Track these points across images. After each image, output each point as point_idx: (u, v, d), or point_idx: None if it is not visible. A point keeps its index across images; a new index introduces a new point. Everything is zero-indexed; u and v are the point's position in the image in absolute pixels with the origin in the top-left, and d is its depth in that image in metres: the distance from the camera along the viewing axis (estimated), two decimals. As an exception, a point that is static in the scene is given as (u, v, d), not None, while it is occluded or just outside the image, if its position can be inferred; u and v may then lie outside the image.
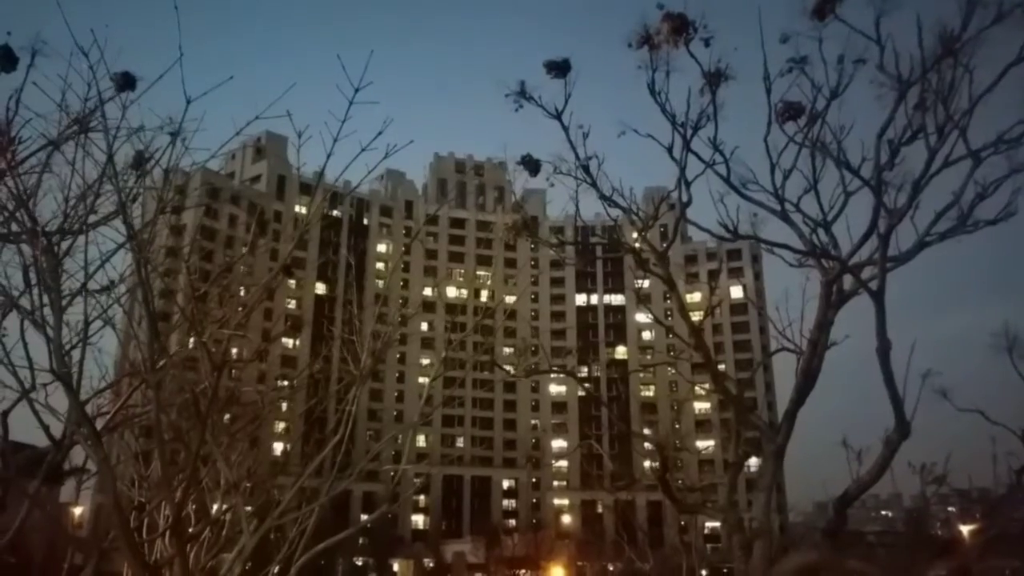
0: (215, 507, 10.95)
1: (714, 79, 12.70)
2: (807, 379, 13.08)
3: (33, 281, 8.60)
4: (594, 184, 14.18)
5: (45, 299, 8.27)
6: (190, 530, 9.74)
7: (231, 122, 8.63)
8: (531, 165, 13.81)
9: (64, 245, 8.88)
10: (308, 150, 8.29)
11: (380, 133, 8.18)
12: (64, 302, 8.40)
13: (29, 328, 8.90)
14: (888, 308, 11.47)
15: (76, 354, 8.86)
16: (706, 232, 13.92)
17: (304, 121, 8.15)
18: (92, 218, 9.36)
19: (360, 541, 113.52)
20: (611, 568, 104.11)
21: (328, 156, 8.11)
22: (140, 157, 9.05)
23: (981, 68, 11.16)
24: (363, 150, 8.14)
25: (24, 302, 8.74)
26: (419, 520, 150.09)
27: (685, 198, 13.75)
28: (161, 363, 8.86)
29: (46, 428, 9.08)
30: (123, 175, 8.69)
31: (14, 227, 8.97)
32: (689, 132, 13.26)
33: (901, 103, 11.82)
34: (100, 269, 9.14)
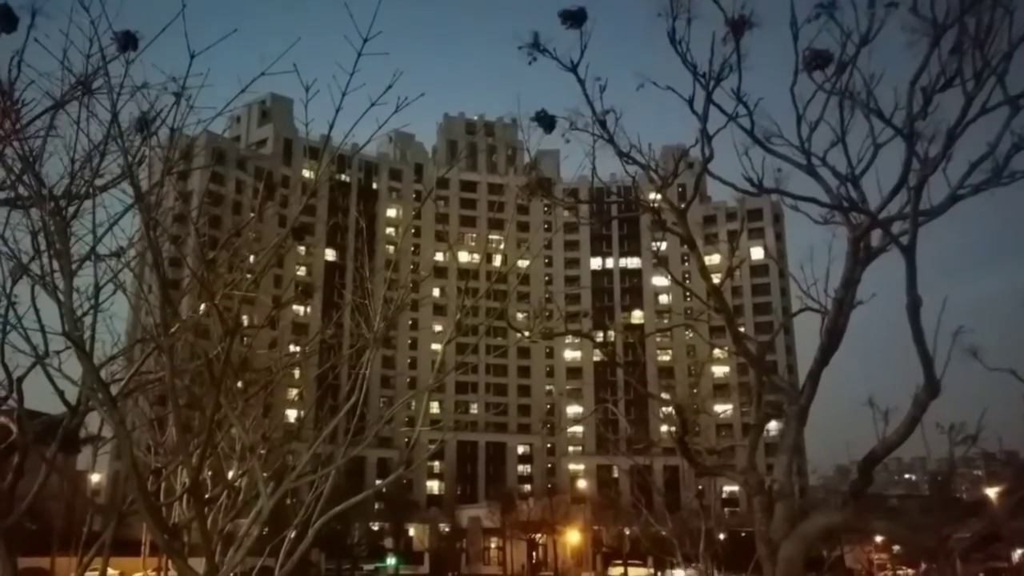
0: (231, 472, 10.89)
1: (738, 26, 12.28)
2: (832, 338, 12.80)
3: (42, 246, 8.44)
4: (611, 140, 13.83)
5: (55, 264, 8.13)
6: (207, 495, 9.67)
7: (236, 79, 8.38)
8: (546, 121, 13.43)
9: (72, 209, 8.74)
10: (315, 109, 8.05)
11: (391, 86, 7.89)
12: (73, 266, 8.25)
13: (40, 294, 8.79)
14: (919, 267, 11.17)
15: (88, 321, 8.74)
16: (729, 186, 13.58)
17: (311, 77, 7.91)
18: (99, 181, 9.19)
19: (376, 506, 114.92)
20: (627, 532, 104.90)
21: (337, 110, 7.85)
22: (144, 119, 8.83)
23: (1022, 9, 10.74)
24: (373, 104, 7.88)
25: (34, 267, 8.60)
26: (434, 486, 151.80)
27: (707, 152, 13.40)
28: (174, 328, 8.73)
29: (61, 393, 8.99)
30: (128, 134, 8.49)
31: (21, 191, 8.81)
32: (711, 83, 12.85)
33: (935, 49, 11.41)
34: (109, 232, 8.97)
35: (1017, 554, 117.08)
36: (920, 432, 11.92)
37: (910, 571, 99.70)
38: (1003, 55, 11.10)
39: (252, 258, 10.68)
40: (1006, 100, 11.16)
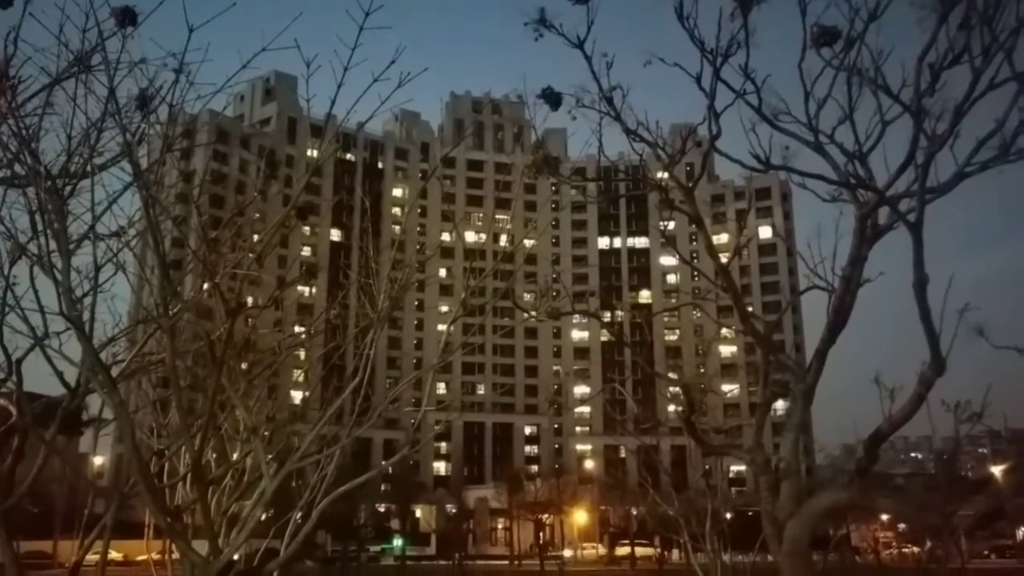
0: (235, 455, 10.83)
1: (746, 2, 12.11)
2: (838, 316, 12.71)
3: (40, 226, 8.32)
4: (618, 117, 13.67)
5: (53, 244, 8.02)
6: (210, 477, 9.60)
7: (237, 55, 8.24)
8: (552, 98, 13.26)
9: (69, 187, 8.62)
10: (319, 86, 7.93)
11: (393, 61, 7.77)
12: (72, 246, 8.15)
13: (39, 275, 8.67)
14: (926, 244, 11.09)
15: (88, 301, 8.63)
16: (736, 163, 13.41)
17: (314, 53, 7.78)
18: (97, 159, 9.06)
19: (382, 488, 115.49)
20: (634, 512, 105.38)
21: (339, 86, 7.74)
22: (143, 96, 8.67)
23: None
24: (376, 79, 7.76)
25: (32, 247, 8.47)
26: (441, 467, 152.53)
27: (714, 130, 13.26)
28: (176, 308, 8.63)
29: (60, 374, 8.89)
30: (126, 110, 8.34)
31: (18, 169, 8.69)
32: (719, 60, 12.70)
33: (943, 24, 11.30)
34: (108, 211, 8.84)
35: (1022, 531, 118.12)
36: (926, 410, 11.87)
37: (915, 549, 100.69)
38: (1011, 30, 10.99)
39: (255, 237, 10.58)
40: (1014, 76, 11.05)
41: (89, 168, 8.75)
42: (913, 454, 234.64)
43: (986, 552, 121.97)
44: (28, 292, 8.68)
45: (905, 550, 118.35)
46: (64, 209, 8.04)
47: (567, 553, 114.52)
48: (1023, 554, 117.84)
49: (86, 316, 8.16)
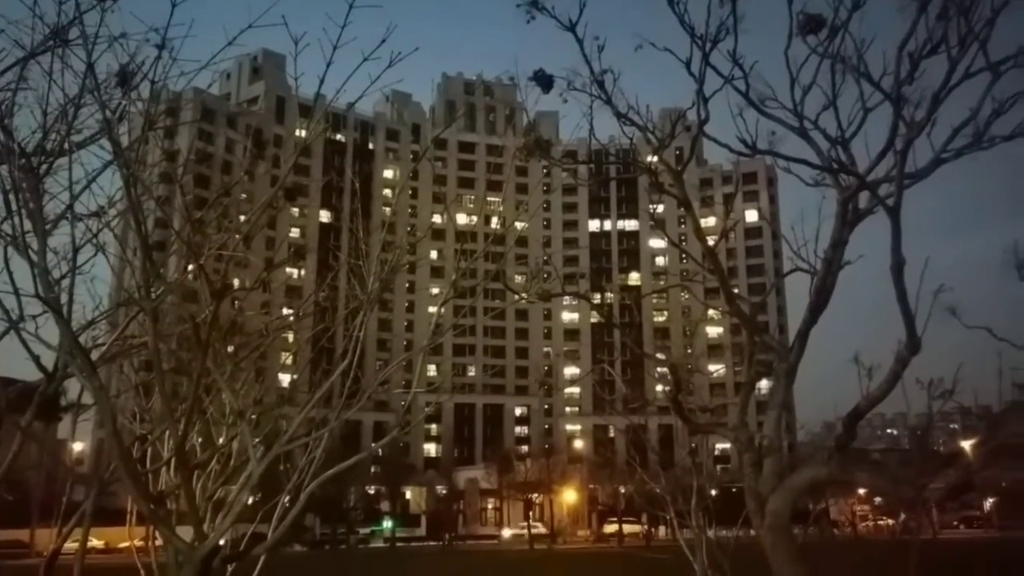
0: (221, 439, 10.69)
1: (735, -11, 12.25)
2: (820, 297, 12.93)
3: (14, 206, 8.10)
4: (609, 101, 13.70)
5: (28, 225, 7.80)
6: (195, 461, 9.45)
7: (223, 32, 8.02)
8: (543, 81, 13.22)
9: (45, 166, 8.39)
10: (307, 64, 7.74)
11: (384, 40, 7.58)
12: (48, 226, 7.93)
13: (15, 257, 8.45)
14: (903, 229, 11.43)
15: (67, 283, 8.43)
16: (724, 147, 13.68)
17: (302, 31, 7.59)
18: (76, 137, 8.82)
19: (372, 470, 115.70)
20: (622, 490, 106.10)
21: (328, 64, 7.52)
22: (124, 72, 8.43)
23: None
24: (366, 59, 7.55)
25: (7, 228, 8.25)
26: (431, 448, 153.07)
27: (703, 114, 13.41)
28: (159, 290, 8.44)
29: (36, 359, 8.67)
30: (105, 87, 8.10)
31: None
32: (708, 46, 12.86)
33: (923, 14, 11.51)
34: (87, 191, 8.61)
35: (989, 503, 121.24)
36: (901, 388, 12.20)
37: (890, 521, 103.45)
38: (986, 21, 11.28)
39: (242, 218, 10.38)
40: (988, 66, 11.37)
41: (66, 146, 8.52)
42: (889, 430, 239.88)
43: (956, 523, 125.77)
44: (2, 273, 8.46)
45: (880, 523, 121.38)
46: (40, 188, 7.82)
47: (506, 533, 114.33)
48: (990, 524, 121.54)
49: (64, 298, 7.97)
